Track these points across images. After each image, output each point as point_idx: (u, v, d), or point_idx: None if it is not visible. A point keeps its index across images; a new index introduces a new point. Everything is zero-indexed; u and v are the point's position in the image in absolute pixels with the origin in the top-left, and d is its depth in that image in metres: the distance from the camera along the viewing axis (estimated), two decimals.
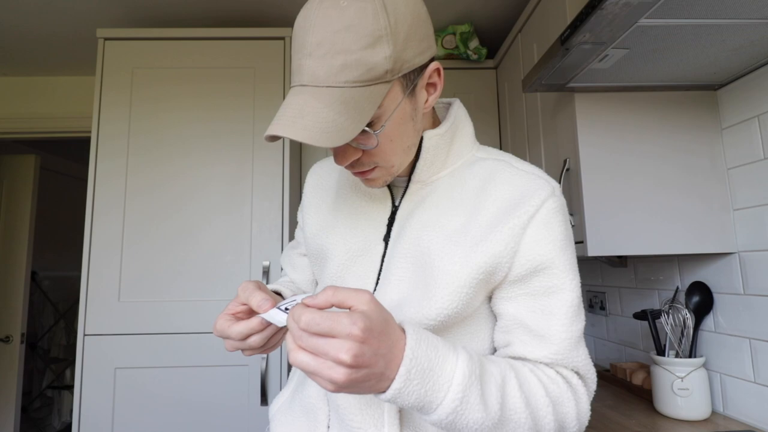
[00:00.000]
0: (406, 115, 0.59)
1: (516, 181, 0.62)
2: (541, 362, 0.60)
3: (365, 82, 0.53)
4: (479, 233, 0.60)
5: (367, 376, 0.45)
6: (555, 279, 0.60)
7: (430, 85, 0.61)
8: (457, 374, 0.49)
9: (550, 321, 0.59)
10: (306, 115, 0.52)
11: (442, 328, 0.60)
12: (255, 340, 0.57)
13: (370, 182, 0.64)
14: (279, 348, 1.59)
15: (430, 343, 0.49)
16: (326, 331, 0.44)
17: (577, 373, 0.61)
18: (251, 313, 0.59)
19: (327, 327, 0.43)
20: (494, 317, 0.65)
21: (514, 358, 0.61)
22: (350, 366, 0.43)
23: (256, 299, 0.54)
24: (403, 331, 0.49)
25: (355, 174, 0.63)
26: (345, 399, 0.61)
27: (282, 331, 0.60)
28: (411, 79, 0.58)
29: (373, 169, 0.62)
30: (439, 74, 0.61)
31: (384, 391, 0.47)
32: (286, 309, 0.52)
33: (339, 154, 0.59)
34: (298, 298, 0.54)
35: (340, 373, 0.43)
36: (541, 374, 0.58)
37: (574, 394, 0.60)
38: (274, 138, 0.54)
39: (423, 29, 0.58)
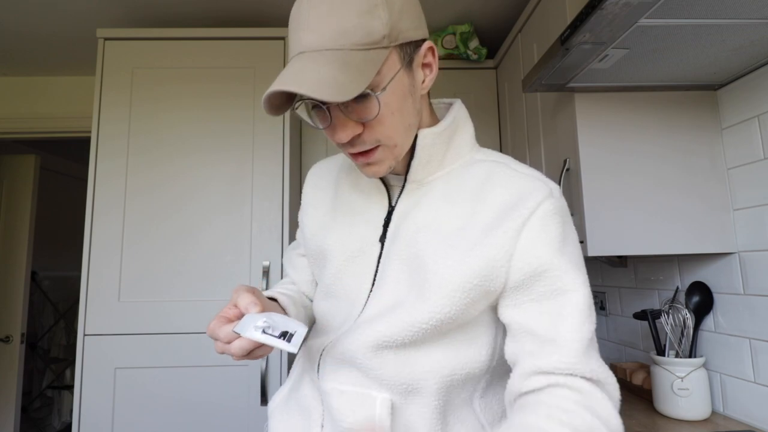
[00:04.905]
0: (405, 89, 0.59)
1: (513, 184, 0.61)
2: (554, 373, 0.55)
3: (363, 46, 0.54)
4: (475, 236, 0.59)
5: None
6: (558, 281, 0.57)
7: (426, 66, 0.62)
8: None
9: (557, 324, 0.56)
10: (306, 72, 0.52)
11: (437, 333, 0.59)
12: (238, 345, 0.54)
13: (372, 167, 0.62)
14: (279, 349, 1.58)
15: None
16: None
17: (596, 380, 0.55)
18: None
19: None
20: (497, 326, 0.64)
21: (525, 374, 0.56)
22: None
23: (244, 301, 0.56)
24: None
25: (357, 157, 0.61)
26: (337, 400, 0.61)
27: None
28: (408, 52, 0.59)
29: (375, 148, 0.60)
30: (433, 53, 0.62)
31: None
32: (263, 331, 0.52)
33: (339, 127, 0.58)
34: (277, 318, 0.55)
35: None
36: (561, 414, 0.51)
37: (598, 417, 0.52)
38: (274, 110, 0.55)
39: (416, 7, 0.60)
